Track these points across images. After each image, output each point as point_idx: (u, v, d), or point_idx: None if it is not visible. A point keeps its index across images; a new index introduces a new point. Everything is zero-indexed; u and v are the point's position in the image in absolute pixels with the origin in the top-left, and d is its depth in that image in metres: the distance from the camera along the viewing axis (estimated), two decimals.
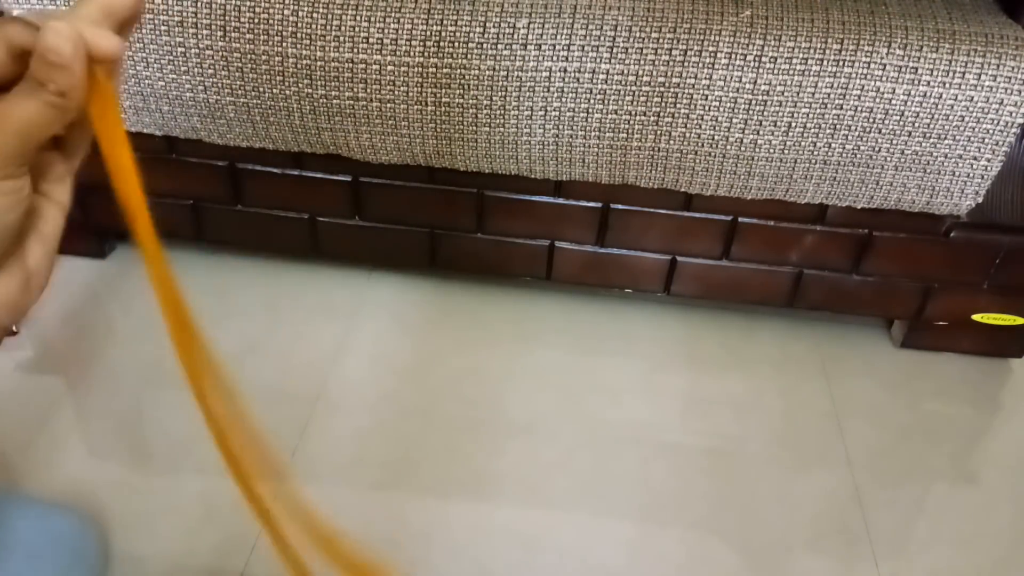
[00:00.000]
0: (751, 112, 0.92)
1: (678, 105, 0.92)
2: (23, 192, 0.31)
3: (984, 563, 0.93)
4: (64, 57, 0.29)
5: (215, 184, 1.12)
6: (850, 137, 0.92)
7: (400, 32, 0.91)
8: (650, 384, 1.11)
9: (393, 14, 0.91)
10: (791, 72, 0.90)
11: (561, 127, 0.95)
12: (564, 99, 0.93)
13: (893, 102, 0.90)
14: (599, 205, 1.07)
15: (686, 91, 0.91)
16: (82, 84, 0.30)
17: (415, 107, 0.95)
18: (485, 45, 0.91)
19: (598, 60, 0.91)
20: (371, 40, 0.92)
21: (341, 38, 0.92)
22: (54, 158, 0.34)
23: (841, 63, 0.89)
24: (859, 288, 1.10)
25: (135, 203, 0.34)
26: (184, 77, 0.96)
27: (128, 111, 1.01)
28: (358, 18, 0.91)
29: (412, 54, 0.92)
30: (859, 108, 0.90)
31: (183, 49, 0.95)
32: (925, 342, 1.18)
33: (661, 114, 0.93)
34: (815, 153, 0.94)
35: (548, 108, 0.94)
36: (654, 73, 0.91)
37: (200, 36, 0.94)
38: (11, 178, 0.30)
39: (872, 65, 0.89)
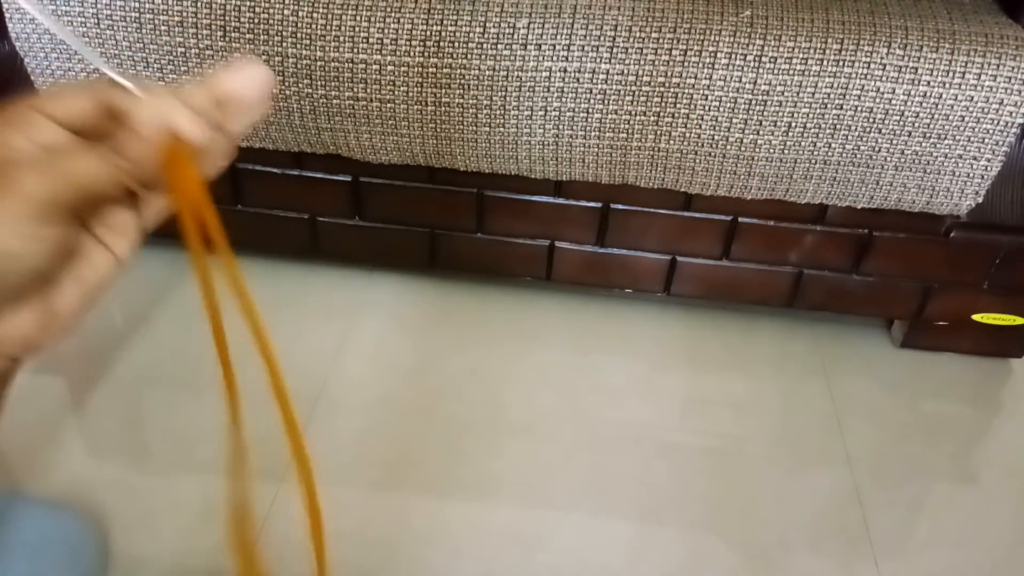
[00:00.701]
0: (751, 112, 0.92)
1: (678, 105, 0.92)
2: (52, 242, 0.29)
3: (984, 563, 0.93)
4: (143, 130, 0.30)
5: (215, 184, 1.12)
6: (850, 137, 0.92)
7: (400, 32, 0.91)
8: (650, 384, 1.11)
9: (393, 14, 0.91)
10: (791, 72, 0.90)
11: (561, 127, 0.95)
12: (564, 99, 0.93)
13: (893, 102, 0.90)
14: (599, 205, 1.07)
15: (686, 91, 0.91)
16: (149, 159, 0.30)
17: (415, 107, 0.95)
18: (485, 45, 0.91)
19: (598, 60, 0.91)
20: (371, 40, 0.92)
21: (341, 38, 0.92)
22: (124, 214, 0.34)
23: (841, 63, 0.89)
24: (859, 288, 1.10)
25: (229, 265, 0.35)
26: (185, 77, 0.96)
27: None
28: (358, 18, 0.91)
29: (412, 54, 0.92)
30: (859, 108, 0.90)
31: (183, 49, 0.95)
32: (925, 342, 1.18)
33: (661, 114, 0.93)
34: (815, 153, 0.94)
35: (548, 108, 0.94)
36: (654, 73, 0.91)
37: (200, 36, 0.94)
38: (45, 224, 0.29)
39: (872, 65, 0.89)
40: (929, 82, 0.89)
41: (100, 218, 0.33)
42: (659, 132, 0.94)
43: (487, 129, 0.96)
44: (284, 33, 0.92)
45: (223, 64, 0.32)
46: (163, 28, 0.94)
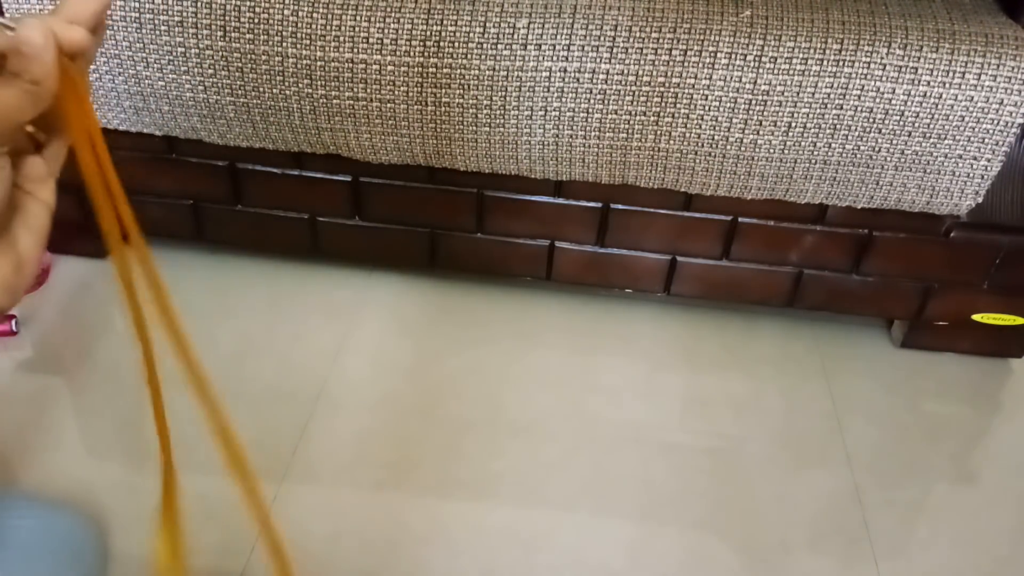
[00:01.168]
0: (751, 112, 0.92)
1: (678, 105, 0.92)
2: (4, 171, 0.34)
3: (984, 563, 0.92)
4: (36, 47, 0.32)
5: (215, 184, 1.12)
6: (850, 137, 0.92)
7: (400, 32, 0.91)
8: (650, 384, 1.11)
9: (393, 14, 0.91)
10: (791, 72, 0.90)
11: (561, 127, 0.95)
12: (564, 99, 0.93)
13: (893, 102, 0.90)
14: (599, 205, 1.07)
15: (686, 91, 0.91)
16: (54, 72, 0.33)
17: (415, 107, 0.95)
18: (485, 45, 0.91)
19: (598, 60, 0.91)
20: (371, 40, 0.92)
21: (341, 38, 0.92)
22: (36, 161, 0.37)
23: (841, 63, 0.89)
24: (859, 288, 1.10)
25: (115, 195, 0.37)
26: (184, 77, 0.96)
27: (128, 111, 1.01)
28: (358, 18, 0.91)
29: (412, 54, 0.92)
30: (859, 108, 0.90)
31: (183, 49, 0.95)
32: (925, 342, 1.18)
33: (661, 114, 0.93)
34: (815, 153, 0.94)
35: (548, 108, 0.94)
36: (654, 73, 0.91)
37: (200, 36, 0.94)
38: None
39: (872, 65, 0.89)
40: (929, 82, 0.89)
41: (21, 172, 0.37)
42: (659, 132, 0.94)
43: (487, 129, 0.96)
44: (284, 33, 0.92)
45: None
46: (163, 28, 0.94)
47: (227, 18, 0.93)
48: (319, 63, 0.93)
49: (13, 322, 1.11)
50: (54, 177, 0.38)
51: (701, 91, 0.91)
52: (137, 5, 0.93)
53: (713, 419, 1.07)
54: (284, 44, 0.93)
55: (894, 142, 0.92)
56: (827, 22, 0.90)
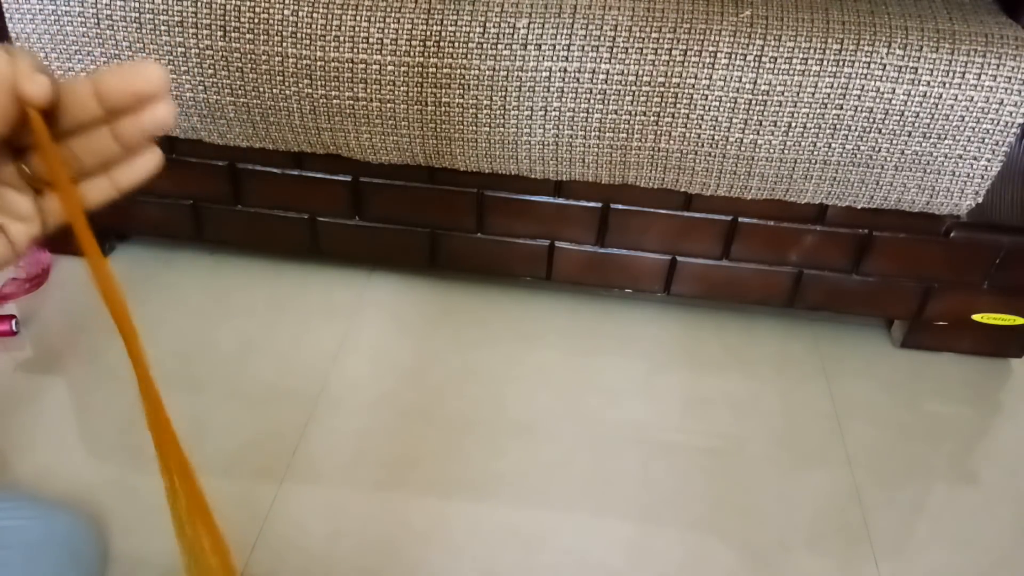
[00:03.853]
0: (751, 112, 0.92)
1: (678, 105, 0.92)
2: None
3: (984, 563, 0.92)
4: None
5: (215, 184, 1.12)
6: (850, 137, 0.92)
7: (400, 32, 0.91)
8: (650, 384, 1.11)
9: (393, 14, 0.91)
10: (791, 72, 0.90)
11: (561, 127, 0.95)
12: (564, 99, 0.93)
13: (893, 102, 0.90)
14: (599, 205, 1.07)
15: (686, 91, 0.91)
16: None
17: (415, 107, 0.95)
18: (485, 45, 0.91)
19: (598, 60, 0.91)
20: (371, 40, 0.92)
21: (341, 38, 0.92)
22: (21, 200, 0.35)
23: (841, 63, 0.89)
24: (859, 288, 1.10)
25: (87, 245, 0.35)
26: (184, 77, 0.97)
27: None
28: (358, 18, 0.92)
29: (412, 54, 0.92)
30: (859, 108, 0.90)
31: (183, 49, 0.95)
32: (925, 342, 1.18)
33: (661, 114, 0.93)
34: (815, 153, 0.94)
35: (548, 108, 0.94)
36: (654, 73, 0.91)
37: (200, 36, 0.94)
38: None
39: (872, 65, 0.89)
40: (929, 82, 0.89)
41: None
42: (659, 132, 0.94)
43: (487, 129, 0.96)
44: (284, 33, 0.92)
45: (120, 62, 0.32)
46: (163, 28, 0.94)
47: (227, 18, 0.93)
48: (319, 63, 0.93)
49: (13, 322, 1.11)
50: (39, 227, 0.36)
51: (701, 91, 0.91)
52: (137, 5, 0.93)
53: (713, 419, 1.07)
54: (284, 44, 0.93)
55: (894, 142, 0.92)
56: (827, 22, 0.90)
